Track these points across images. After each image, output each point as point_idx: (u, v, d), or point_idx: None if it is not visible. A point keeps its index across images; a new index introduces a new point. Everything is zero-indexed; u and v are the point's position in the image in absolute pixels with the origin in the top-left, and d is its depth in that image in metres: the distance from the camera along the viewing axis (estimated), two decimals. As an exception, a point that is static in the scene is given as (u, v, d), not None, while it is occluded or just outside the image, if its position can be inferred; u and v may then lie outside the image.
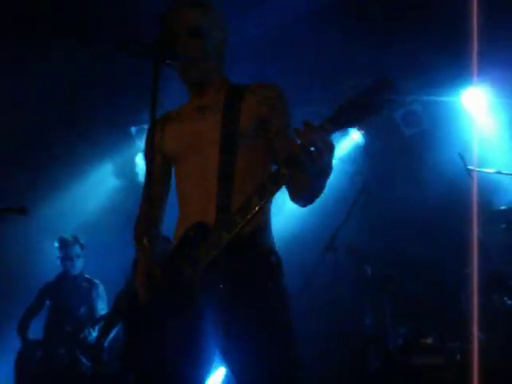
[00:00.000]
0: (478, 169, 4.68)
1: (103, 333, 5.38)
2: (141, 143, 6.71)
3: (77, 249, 5.87)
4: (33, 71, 5.73)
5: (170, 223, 2.44)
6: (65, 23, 5.37)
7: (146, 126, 6.53)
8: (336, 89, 5.20)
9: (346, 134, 6.49)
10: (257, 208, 2.06)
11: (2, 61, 5.63)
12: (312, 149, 1.93)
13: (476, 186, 4.64)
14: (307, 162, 1.95)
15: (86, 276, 5.93)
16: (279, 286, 2.24)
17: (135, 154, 6.93)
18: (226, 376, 4.73)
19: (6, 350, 5.99)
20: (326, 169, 2.01)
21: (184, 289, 2.17)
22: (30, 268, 6.50)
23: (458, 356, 4.15)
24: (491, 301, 4.36)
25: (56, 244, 5.91)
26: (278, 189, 2.07)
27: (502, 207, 4.96)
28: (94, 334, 5.55)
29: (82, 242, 5.92)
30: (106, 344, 5.27)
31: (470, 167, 4.62)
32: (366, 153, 6.37)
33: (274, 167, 2.31)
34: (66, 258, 5.84)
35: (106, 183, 7.14)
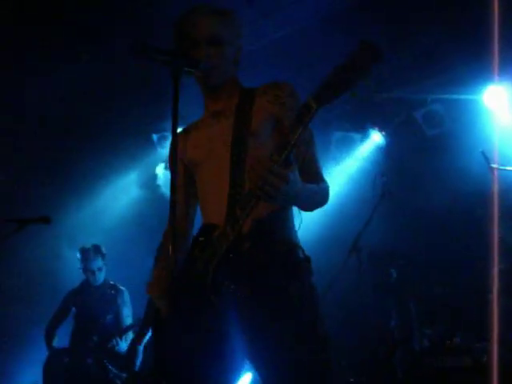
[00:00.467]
0: (501, 167, 4.63)
1: (136, 341, 5.32)
2: (162, 150, 6.75)
3: (98, 262, 5.85)
4: (56, 82, 5.78)
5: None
6: (80, 27, 5.38)
7: (167, 134, 6.57)
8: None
9: (366, 135, 6.47)
10: (253, 202, 2.03)
11: (28, 73, 5.69)
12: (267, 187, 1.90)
13: (498, 184, 4.59)
14: (265, 199, 1.94)
15: (111, 282, 5.94)
16: (306, 284, 2.20)
17: (156, 164, 6.98)
18: (253, 382, 4.72)
19: (31, 355, 6.07)
20: (291, 199, 2.00)
21: (200, 291, 2.17)
22: (53, 276, 6.58)
23: (485, 357, 4.10)
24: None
25: (78, 255, 5.92)
26: None
27: (526, 205, 4.91)
28: (121, 343, 5.57)
29: (103, 251, 5.91)
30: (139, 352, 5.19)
31: (492, 165, 4.58)
32: (387, 154, 6.35)
33: None
34: (87, 270, 5.85)
35: (129, 192, 7.19)
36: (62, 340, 5.91)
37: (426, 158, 6.01)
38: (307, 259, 2.26)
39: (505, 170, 4.67)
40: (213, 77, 2.33)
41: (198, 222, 2.45)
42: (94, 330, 5.69)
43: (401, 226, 5.86)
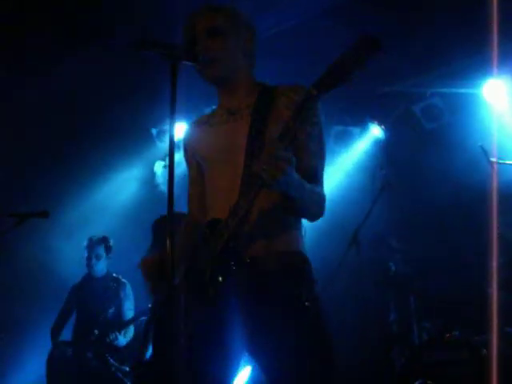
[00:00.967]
0: (500, 161, 4.63)
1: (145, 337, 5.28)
2: (162, 144, 6.75)
3: (100, 250, 5.85)
4: (53, 76, 5.78)
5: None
6: (79, 25, 5.39)
7: (166, 128, 6.56)
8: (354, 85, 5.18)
9: (366, 129, 6.47)
10: (256, 189, 2.03)
11: (25, 68, 5.69)
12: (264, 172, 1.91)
13: (498, 178, 4.59)
14: (269, 184, 1.94)
15: (114, 275, 5.93)
16: (310, 292, 2.19)
17: (155, 159, 6.97)
18: (252, 375, 4.73)
19: (34, 350, 6.07)
20: (292, 186, 1.99)
21: (200, 282, 2.18)
22: (51, 270, 6.57)
23: (484, 350, 4.10)
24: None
25: (84, 243, 5.91)
26: None
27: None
28: (121, 337, 5.57)
29: (110, 243, 5.91)
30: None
31: (491, 159, 4.57)
32: (386, 147, 6.35)
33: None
34: (88, 258, 5.85)
35: (128, 187, 7.18)
36: (64, 333, 5.92)
37: (425, 152, 6.01)
38: (307, 260, 2.26)
39: (504, 163, 4.66)
40: (214, 68, 2.31)
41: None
42: (95, 324, 5.68)
43: (400, 219, 5.85)
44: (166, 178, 2.08)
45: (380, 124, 6.39)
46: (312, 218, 2.28)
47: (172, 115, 2.10)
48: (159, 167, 6.91)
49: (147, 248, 4.39)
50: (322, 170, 2.29)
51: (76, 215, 6.73)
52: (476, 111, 5.71)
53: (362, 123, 6.46)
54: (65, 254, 6.55)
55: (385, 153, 6.31)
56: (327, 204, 2.29)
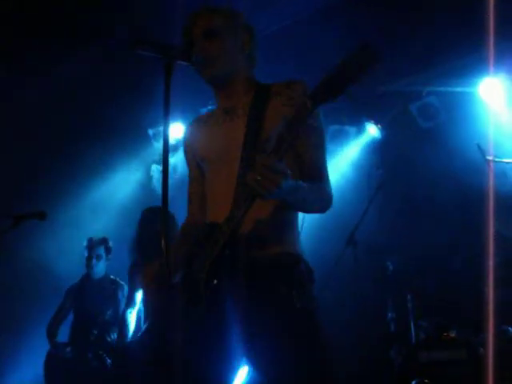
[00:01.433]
0: (496, 159, 4.64)
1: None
2: (158, 145, 6.74)
3: (100, 250, 5.84)
4: (51, 77, 5.79)
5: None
6: (79, 25, 5.40)
7: (161, 128, 6.54)
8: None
9: (362, 128, 6.47)
10: (249, 200, 2.01)
11: (25, 68, 5.70)
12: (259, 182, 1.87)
13: (494, 176, 4.60)
14: (262, 195, 1.90)
15: (112, 277, 5.92)
16: (304, 293, 2.18)
17: (152, 159, 6.96)
18: (249, 376, 4.73)
19: (33, 350, 6.06)
20: (283, 199, 1.98)
21: (196, 286, 2.17)
22: (49, 271, 6.55)
23: (481, 349, 4.11)
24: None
25: (84, 243, 5.90)
26: None
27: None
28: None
29: (109, 244, 5.90)
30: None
31: (488, 157, 4.58)
32: (382, 147, 6.35)
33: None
34: (88, 258, 5.84)
35: (126, 188, 7.17)
36: (61, 333, 5.90)
37: (421, 151, 6.01)
38: (301, 260, 2.25)
39: (500, 162, 4.67)
40: (210, 69, 2.31)
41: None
42: (93, 325, 5.67)
43: (396, 219, 5.86)
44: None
45: (376, 123, 6.39)
46: (318, 212, 2.27)
47: (166, 114, 2.10)
48: (155, 171, 6.90)
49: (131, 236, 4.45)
50: (325, 162, 2.28)
51: (74, 215, 6.72)
52: (472, 110, 5.72)
53: (358, 122, 6.46)
54: (63, 253, 6.54)
55: (381, 152, 6.31)
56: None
